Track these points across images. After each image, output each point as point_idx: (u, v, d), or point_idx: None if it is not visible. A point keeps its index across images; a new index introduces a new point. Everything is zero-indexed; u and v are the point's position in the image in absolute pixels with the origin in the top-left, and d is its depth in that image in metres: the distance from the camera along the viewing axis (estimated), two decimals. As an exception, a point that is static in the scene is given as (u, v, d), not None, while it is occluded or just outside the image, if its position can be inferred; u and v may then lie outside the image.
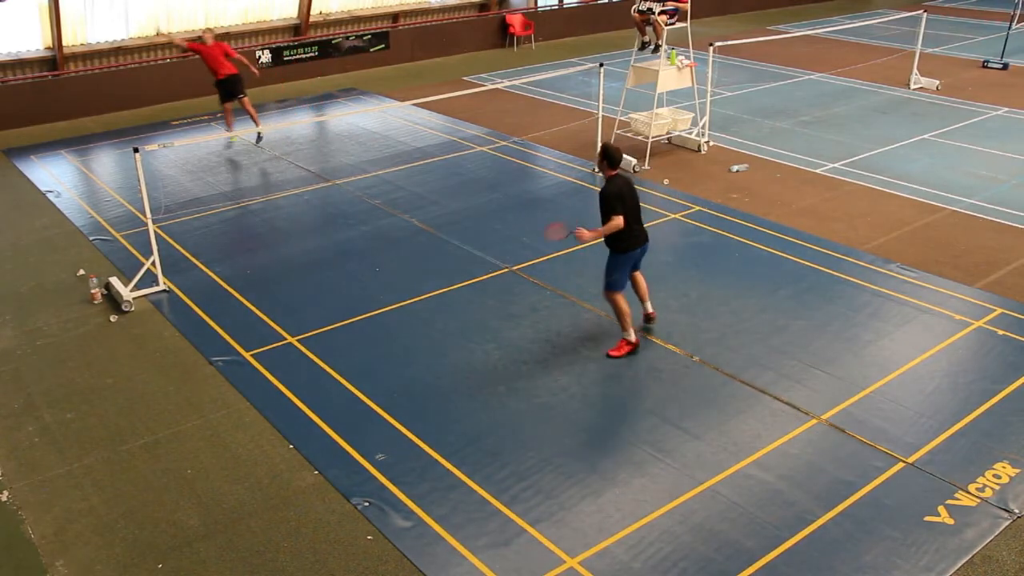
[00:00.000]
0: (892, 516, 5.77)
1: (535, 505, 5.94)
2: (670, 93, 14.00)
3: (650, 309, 8.13)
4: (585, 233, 7.34)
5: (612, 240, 7.48)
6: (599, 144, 12.46)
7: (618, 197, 7.30)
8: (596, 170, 12.38)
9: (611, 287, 7.60)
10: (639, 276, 7.98)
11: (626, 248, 7.51)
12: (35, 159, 13.96)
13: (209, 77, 13.77)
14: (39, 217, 11.51)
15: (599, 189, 7.52)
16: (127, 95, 16.88)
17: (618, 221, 7.25)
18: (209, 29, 14.04)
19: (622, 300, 7.62)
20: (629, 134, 13.26)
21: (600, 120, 12.58)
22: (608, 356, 7.70)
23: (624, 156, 12.52)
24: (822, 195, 11.50)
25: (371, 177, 12.62)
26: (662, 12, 12.59)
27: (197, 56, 13.82)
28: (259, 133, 14.17)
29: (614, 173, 7.47)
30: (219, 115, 15.63)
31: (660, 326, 8.20)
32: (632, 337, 7.70)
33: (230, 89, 13.67)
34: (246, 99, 13.78)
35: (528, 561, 5.46)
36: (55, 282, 9.58)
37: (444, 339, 8.11)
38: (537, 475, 6.23)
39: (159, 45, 17.87)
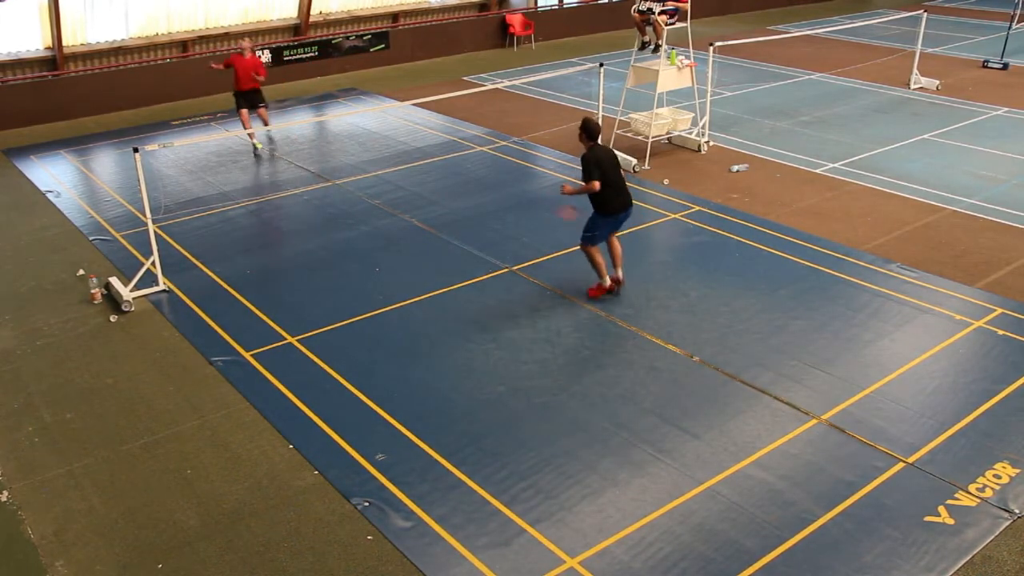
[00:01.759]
0: (892, 516, 5.77)
1: (535, 505, 5.94)
2: (670, 93, 14.01)
3: (620, 275, 8.76)
4: (568, 187, 8.44)
5: (594, 203, 8.35)
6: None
7: (596, 163, 8.20)
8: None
9: (587, 241, 8.52)
10: (616, 242, 8.73)
11: (606, 211, 8.35)
12: (35, 159, 13.96)
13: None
14: (39, 217, 11.51)
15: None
16: (127, 95, 16.88)
17: (594, 184, 8.13)
18: (247, 38, 14.13)
19: (596, 252, 8.55)
20: (629, 134, 13.26)
21: (600, 120, 12.56)
22: (589, 296, 8.63)
23: (624, 156, 12.62)
24: (822, 195, 11.50)
25: (371, 177, 12.62)
26: (662, 12, 12.59)
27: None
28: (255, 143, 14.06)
29: (592, 144, 8.33)
30: (218, 115, 15.71)
31: (660, 326, 8.21)
32: (606, 282, 8.58)
33: (250, 100, 13.77)
34: (263, 109, 13.92)
35: (528, 561, 5.46)
36: (55, 282, 9.57)
37: (444, 339, 8.11)
38: (537, 475, 6.23)
39: (159, 45, 17.88)
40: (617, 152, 12.63)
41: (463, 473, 6.27)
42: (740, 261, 9.56)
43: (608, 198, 8.27)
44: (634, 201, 11.26)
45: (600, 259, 8.55)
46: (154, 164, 13.30)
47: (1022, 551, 5.50)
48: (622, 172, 8.56)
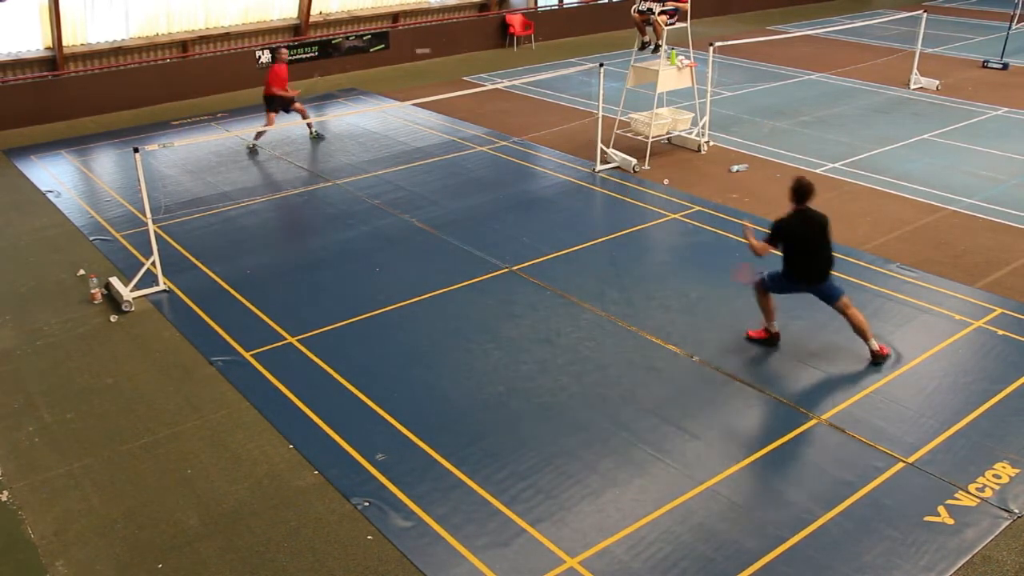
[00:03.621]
0: (892, 516, 5.77)
1: (535, 505, 5.94)
2: (670, 93, 14.00)
3: (875, 346, 7.49)
4: (752, 238, 7.54)
5: (784, 263, 7.49)
6: (599, 144, 12.53)
7: (783, 230, 7.33)
8: (596, 168, 12.40)
9: (763, 285, 7.66)
10: (855, 313, 7.50)
11: (789, 275, 7.48)
12: (35, 159, 13.96)
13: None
14: (39, 217, 11.51)
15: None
16: (127, 95, 16.88)
17: (763, 245, 7.39)
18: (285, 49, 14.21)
19: (769, 299, 7.73)
20: (629, 134, 13.26)
21: (600, 120, 12.57)
22: (748, 337, 7.91)
23: (624, 156, 12.61)
24: (822, 195, 11.37)
25: (371, 177, 12.62)
26: (662, 12, 12.59)
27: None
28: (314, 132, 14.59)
29: (798, 208, 7.32)
30: (218, 115, 15.78)
31: (660, 326, 8.20)
32: (773, 328, 7.83)
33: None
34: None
35: (528, 561, 5.46)
36: (55, 282, 9.57)
37: (444, 339, 8.11)
38: (537, 475, 6.23)
39: (159, 45, 17.87)
40: (617, 153, 12.70)
41: (463, 473, 6.27)
42: (740, 261, 9.54)
43: (795, 264, 7.43)
44: (634, 201, 11.32)
45: (770, 305, 7.73)
46: (154, 164, 13.30)
47: (1022, 551, 5.50)
48: (828, 242, 7.39)
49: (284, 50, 13.92)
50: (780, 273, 7.57)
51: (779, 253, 7.47)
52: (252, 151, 13.87)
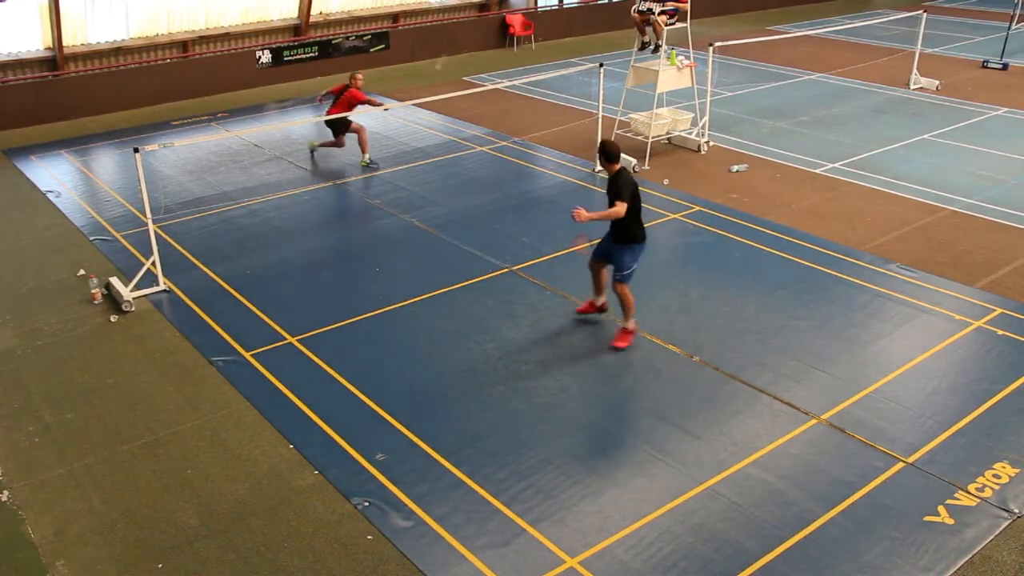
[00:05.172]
0: (892, 516, 5.77)
1: (535, 505, 5.94)
2: (670, 93, 14.00)
3: (603, 301, 8.32)
4: (583, 213, 7.43)
5: (625, 233, 7.65)
6: (599, 144, 12.52)
7: (628, 185, 7.46)
8: (596, 169, 12.40)
9: (627, 279, 7.79)
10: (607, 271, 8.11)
11: (639, 239, 7.72)
12: (35, 159, 13.96)
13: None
14: (39, 217, 11.51)
15: (608, 180, 7.71)
16: (127, 95, 16.88)
17: (621, 208, 7.35)
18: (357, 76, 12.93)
19: (629, 290, 7.82)
20: (629, 134, 13.26)
21: (600, 120, 12.58)
22: (614, 348, 7.82)
23: (624, 156, 12.59)
24: (822, 195, 11.50)
25: (371, 177, 12.63)
26: (662, 12, 12.59)
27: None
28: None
29: (618, 167, 7.61)
30: (218, 115, 15.77)
31: (660, 326, 8.20)
32: (632, 326, 7.91)
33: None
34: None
35: (528, 561, 5.46)
36: (55, 282, 9.57)
37: (444, 339, 8.12)
38: (537, 475, 6.23)
39: (159, 45, 17.88)
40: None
41: (463, 473, 6.27)
42: (740, 261, 9.56)
43: (639, 223, 7.67)
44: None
45: (632, 298, 7.81)
46: (154, 164, 13.30)
47: (1021, 551, 5.50)
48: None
49: (359, 77, 12.76)
50: (633, 249, 7.74)
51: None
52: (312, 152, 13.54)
